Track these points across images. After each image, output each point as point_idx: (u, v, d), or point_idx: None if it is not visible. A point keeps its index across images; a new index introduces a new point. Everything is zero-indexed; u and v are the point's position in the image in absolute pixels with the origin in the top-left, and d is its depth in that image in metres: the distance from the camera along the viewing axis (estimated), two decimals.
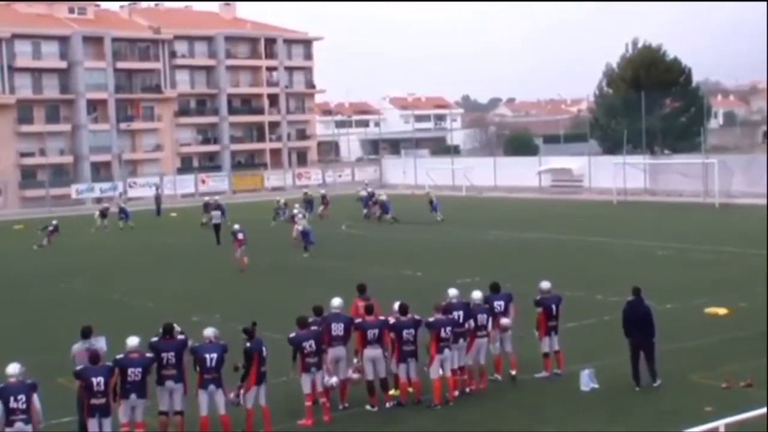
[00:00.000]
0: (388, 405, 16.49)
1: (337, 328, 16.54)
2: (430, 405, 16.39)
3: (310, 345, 15.79)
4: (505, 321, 17.74)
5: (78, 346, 15.48)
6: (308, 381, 15.76)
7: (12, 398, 13.16)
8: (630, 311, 17.48)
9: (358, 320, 16.63)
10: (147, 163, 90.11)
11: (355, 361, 16.72)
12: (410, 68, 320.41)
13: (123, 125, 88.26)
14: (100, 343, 15.46)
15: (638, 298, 17.52)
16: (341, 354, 16.56)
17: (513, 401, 16.79)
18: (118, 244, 42.74)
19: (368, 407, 16.43)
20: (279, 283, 31.90)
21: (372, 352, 16.38)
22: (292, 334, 15.92)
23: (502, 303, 17.92)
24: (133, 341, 14.79)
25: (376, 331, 16.45)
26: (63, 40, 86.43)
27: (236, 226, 36.26)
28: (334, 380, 16.22)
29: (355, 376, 16.58)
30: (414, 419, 15.94)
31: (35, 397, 13.37)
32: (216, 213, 44.20)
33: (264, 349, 15.29)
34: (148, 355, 14.85)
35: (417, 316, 16.70)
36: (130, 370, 14.44)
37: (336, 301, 17.11)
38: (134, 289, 31.39)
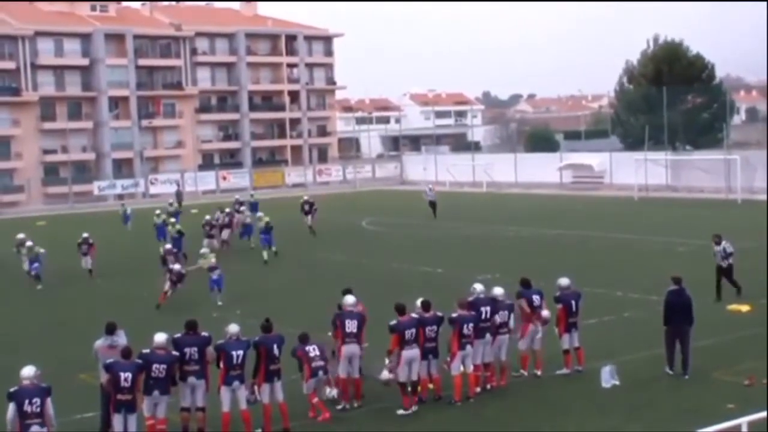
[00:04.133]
0: (414, 408, 16.15)
1: (351, 325, 16.46)
2: (450, 401, 16.40)
3: (314, 348, 15.86)
4: (546, 314, 17.80)
5: (101, 342, 15.57)
6: (312, 384, 15.83)
7: (27, 401, 12.93)
8: (673, 299, 17.91)
9: (393, 322, 16.22)
10: (168, 160, 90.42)
11: (387, 361, 16.45)
12: (430, 65, 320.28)
13: (144, 122, 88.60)
14: (121, 338, 15.51)
15: (680, 287, 18.01)
16: (355, 351, 16.42)
17: (534, 398, 16.77)
18: (138, 240, 42.80)
19: (401, 411, 16.04)
20: (298, 280, 31.93)
21: (410, 353, 16.08)
22: (294, 347, 15.98)
23: (539, 297, 17.97)
24: (160, 337, 14.84)
25: (414, 330, 16.17)
26: (85, 38, 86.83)
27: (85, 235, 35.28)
28: (335, 393, 16.26)
29: (391, 376, 16.31)
30: (434, 416, 15.93)
31: (48, 402, 13.15)
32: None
33: (276, 346, 15.27)
34: (174, 353, 14.87)
35: (439, 313, 16.69)
36: (154, 366, 14.47)
37: (350, 299, 17.08)
38: (157, 286, 31.42)
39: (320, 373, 15.77)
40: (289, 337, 15.97)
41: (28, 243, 33.50)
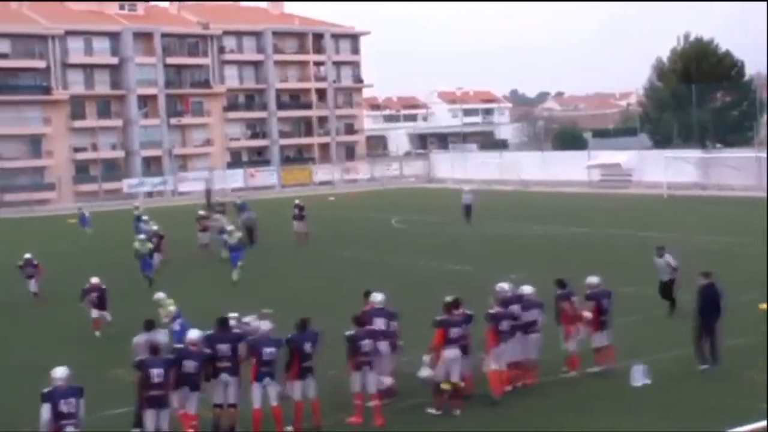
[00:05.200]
0: (457, 412, 15.89)
1: (378, 323, 16.46)
2: (491, 400, 16.26)
3: (367, 344, 15.69)
4: (588, 314, 17.84)
5: (139, 338, 15.77)
6: (358, 380, 15.66)
7: (62, 402, 12.89)
8: (706, 294, 18.05)
9: (442, 317, 16.11)
10: (197, 158, 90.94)
11: (426, 358, 16.31)
12: (458, 63, 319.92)
13: (173, 120, 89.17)
14: (160, 336, 15.67)
15: (711, 281, 18.22)
16: (383, 350, 16.28)
17: (563, 397, 16.74)
18: (168, 238, 42.58)
19: (431, 410, 15.89)
20: (326, 278, 31.99)
21: (452, 352, 15.85)
22: (350, 332, 15.85)
23: (575, 298, 17.99)
24: (193, 334, 14.96)
25: (459, 330, 16.01)
26: (114, 37, 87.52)
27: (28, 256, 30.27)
28: (388, 381, 16.12)
29: (431, 373, 16.12)
30: (462, 414, 15.88)
31: (81, 403, 13.13)
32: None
33: (309, 344, 15.25)
34: (206, 350, 14.94)
35: (468, 311, 16.69)
36: (186, 362, 14.56)
37: (378, 296, 17.12)
38: (187, 283, 31.56)
39: (365, 368, 15.55)
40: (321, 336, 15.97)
41: None
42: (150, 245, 32.49)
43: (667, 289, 23.39)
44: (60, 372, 13.23)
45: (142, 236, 33.52)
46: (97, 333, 23.85)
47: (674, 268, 23.40)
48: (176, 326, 20.23)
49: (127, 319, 22.59)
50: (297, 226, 41.80)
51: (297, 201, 43.13)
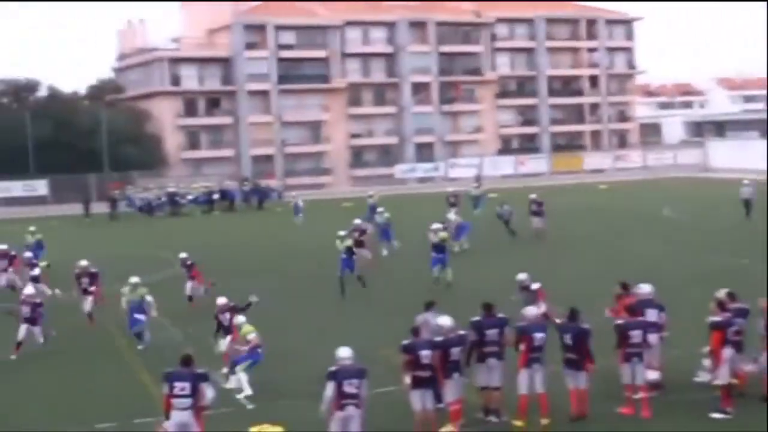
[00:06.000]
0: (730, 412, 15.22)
1: (650, 314, 16.15)
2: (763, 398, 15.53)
3: (637, 335, 15.44)
4: None
5: (421, 318, 16.38)
6: (628, 371, 15.44)
7: (346, 381, 13.31)
8: None
9: (719, 318, 15.44)
10: (467, 144, 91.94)
11: (706, 362, 15.95)
12: (738, 48, 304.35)
13: (445, 107, 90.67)
14: (436, 319, 15.96)
15: None
16: (652, 341, 15.94)
17: None
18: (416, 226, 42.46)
19: (717, 415, 15.16)
20: (593, 269, 31.33)
21: (728, 351, 15.23)
22: (620, 321, 15.76)
23: None
24: (445, 321, 15.18)
25: (736, 327, 15.42)
26: (390, 26, 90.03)
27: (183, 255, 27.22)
28: (653, 376, 15.81)
29: (710, 377, 15.61)
30: (735, 414, 15.22)
31: (364, 384, 13.50)
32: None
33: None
34: (462, 332, 15.16)
35: (745, 305, 16.00)
36: (452, 350, 14.81)
37: (647, 288, 16.93)
38: (462, 267, 31.74)
39: (635, 359, 15.37)
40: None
41: (133, 279, 22.73)
42: (349, 242, 28.90)
43: None
44: (345, 352, 13.74)
45: (342, 232, 29.88)
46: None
47: None
48: (252, 356, 17.78)
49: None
50: (535, 222, 39.59)
51: (533, 196, 40.43)
